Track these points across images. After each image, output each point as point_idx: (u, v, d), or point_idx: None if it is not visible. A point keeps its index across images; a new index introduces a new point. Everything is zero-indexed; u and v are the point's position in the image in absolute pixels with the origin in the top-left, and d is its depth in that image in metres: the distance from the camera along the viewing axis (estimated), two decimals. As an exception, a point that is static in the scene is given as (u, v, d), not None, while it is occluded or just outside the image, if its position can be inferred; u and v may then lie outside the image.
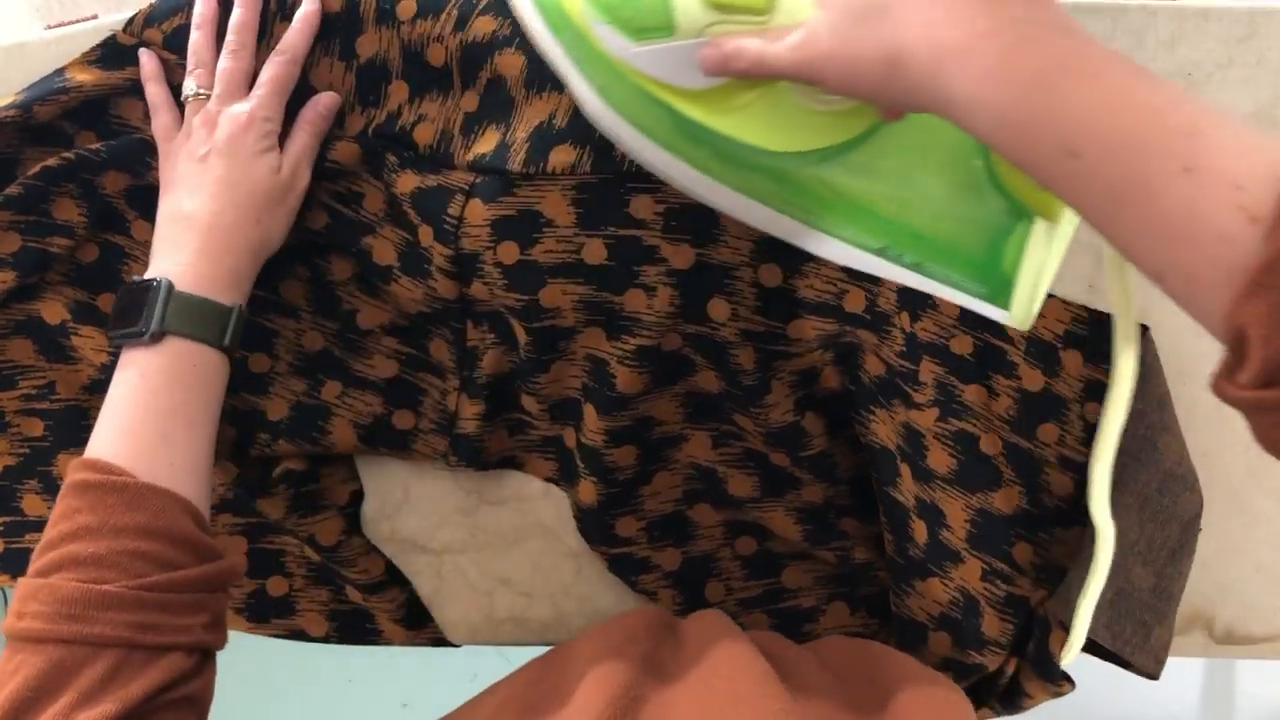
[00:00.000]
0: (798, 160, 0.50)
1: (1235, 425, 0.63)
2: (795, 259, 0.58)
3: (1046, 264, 0.48)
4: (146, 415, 0.52)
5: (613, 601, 0.69)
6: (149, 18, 0.61)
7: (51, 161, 0.61)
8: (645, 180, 0.57)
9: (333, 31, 0.61)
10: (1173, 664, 0.65)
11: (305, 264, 0.64)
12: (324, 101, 0.61)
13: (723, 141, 0.50)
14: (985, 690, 0.65)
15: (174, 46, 0.61)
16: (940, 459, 0.61)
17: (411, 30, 0.60)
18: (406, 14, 0.60)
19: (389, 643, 0.70)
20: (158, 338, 0.53)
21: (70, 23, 0.68)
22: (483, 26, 0.59)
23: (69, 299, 0.64)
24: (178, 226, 0.56)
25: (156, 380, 0.53)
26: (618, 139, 0.53)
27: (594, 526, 0.65)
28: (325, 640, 0.70)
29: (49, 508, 0.66)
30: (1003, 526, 0.61)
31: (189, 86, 0.59)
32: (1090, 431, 0.61)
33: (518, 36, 0.59)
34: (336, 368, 0.65)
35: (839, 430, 0.62)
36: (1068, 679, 0.63)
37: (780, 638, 0.59)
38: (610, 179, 0.57)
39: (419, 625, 0.70)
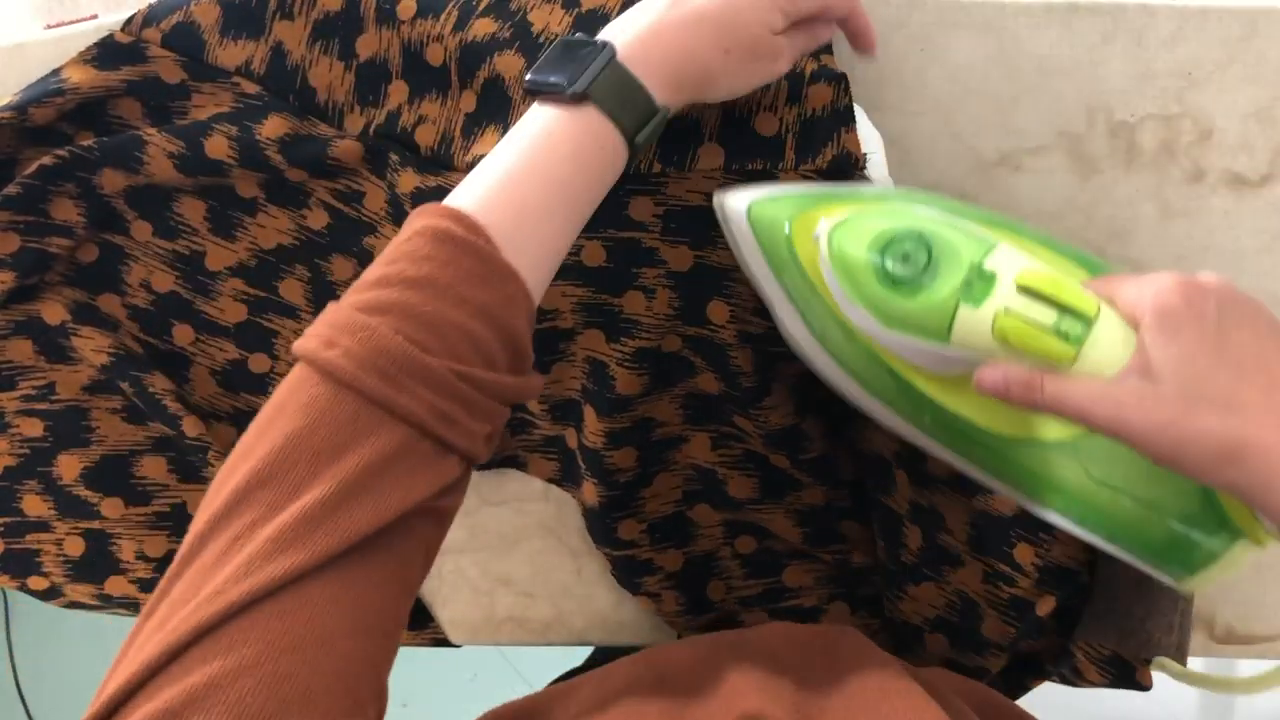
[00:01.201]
0: (1016, 443, 0.50)
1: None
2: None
3: (1233, 571, 0.49)
4: (539, 181, 0.46)
5: (613, 602, 0.69)
6: (148, 17, 0.61)
7: (48, 160, 0.61)
8: (644, 182, 0.57)
9: (333, 31, 0.61)
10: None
11: (306, 264, 0.64)
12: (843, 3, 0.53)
13: (944, 413, 0.50)
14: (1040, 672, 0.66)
15: (173, 45, 0.61)
16: (939, 462, 0.61)
17: (411, 30, 0.60)
18: (407, 14, 0.60)
19: (389, 643, 0.70)
20: (579, 99, 0.47)
21: (70, 22, 0.68)
22: (482, 28, 0.59)
23: (69, 299, 0.64)
24: (651, 6, 0.50)
25: (563, 147, 0.47)
26: (824, 375, 0.53)
27: (597, 527, 0.65)
28: (325, 640, 0.70)
29: (49, 508, 0.66)
30: (1003, 528, 0.61)
31: None
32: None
33: (518, 39, 0.59)
34: None
35: (840, 434, 0.62)
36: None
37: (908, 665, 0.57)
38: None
39: (419, 625, 0.70)
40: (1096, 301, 0.45)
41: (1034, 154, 0.61)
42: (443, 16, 0.59)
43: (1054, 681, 0.66)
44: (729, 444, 0.63)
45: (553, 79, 0.47)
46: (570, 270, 0.58)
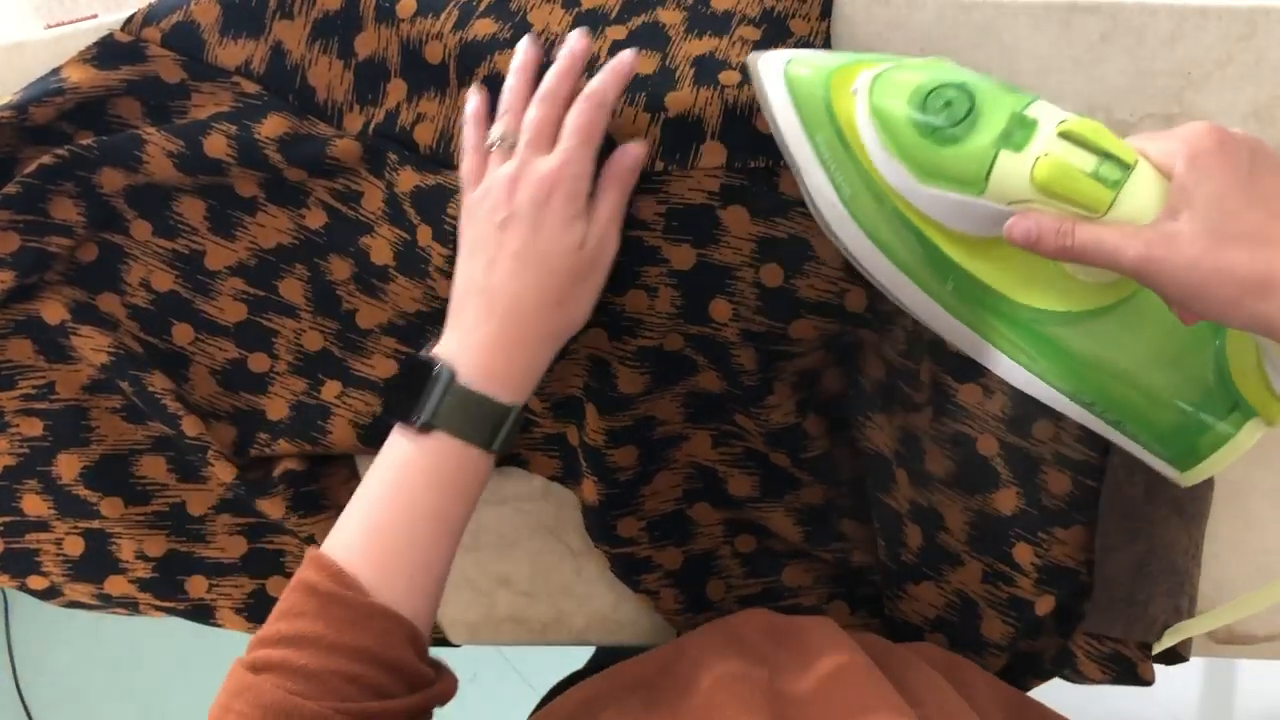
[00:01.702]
0: (1039, 315, 0.50)
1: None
2: (796, 258, 0.58)
3: (1240, 453, 0.49)
4: (399, 515, 0.50)
5: (613, 601, 0.69)
6: (148, 16, 0.61)
7: (47, 159, 0.61)
8: (646, 181, 0.57)
9: (332, 30, 0.61)
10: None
11: (305, 263, 0.64)
12: (632, 153, 0.54)
13: (970, 281, 0.50)
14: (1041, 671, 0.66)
15: (172, 44, 0.61)
16: (937, 461, 0.61)
17: (410, 28, 0.60)
18: (406, 12, 0.60)
19: (389, 642, 0.70)
20: (427, 429, 0.50)
21: (70, 22, 0.68)
22: (483, 28, 0.59)
23: (68, 299, 0.64)
24: (474, 301, 0.52)
25: (416, 481, 0.50)
26: (844, 244, 0.53)
27: (596, 525, 0.65)
28: (325, 640, 0.70)
29: (49, 507, 0.67)
30: (1002, 527, 0.61)
31: (494, 132, 0.54)
32: (1091, 429, 0.61)
33: (519, 40, 0.59)
34: (336, 367, 0.65)
35: (840, 432, 0.62)
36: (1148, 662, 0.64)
37: (881, 640, 0.59)
38: None
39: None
40: (1137, 153, 0.45)
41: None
42: (443, 16, 0.59)
43: (1060, 678, 0.66)
44: (730, 442, 0.64)
45: (403, 413, 0.51)
46: None
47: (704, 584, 0.67)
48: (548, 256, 0.51)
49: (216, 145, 0.60)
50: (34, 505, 0.67)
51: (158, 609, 0.69)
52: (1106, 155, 0.45)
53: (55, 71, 0.62)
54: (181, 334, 0.65)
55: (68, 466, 0.66)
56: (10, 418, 0.66)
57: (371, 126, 0.61)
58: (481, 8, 0.60)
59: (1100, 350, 0.50)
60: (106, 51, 0.61)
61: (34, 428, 0.66)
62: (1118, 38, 0.60)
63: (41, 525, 0.67)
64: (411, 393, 0.51)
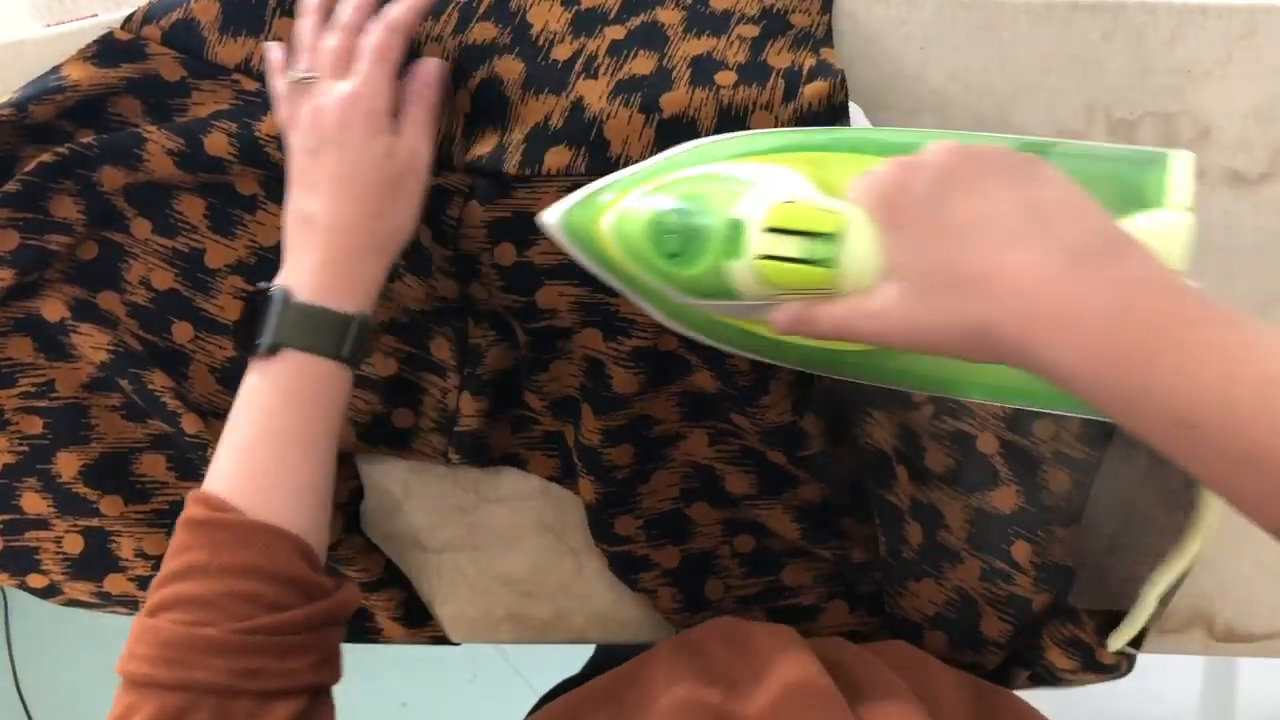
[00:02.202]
0: (880, 354, 0.50)
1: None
2: None
3: None
4: (263, 436, 0.51)
5: (612, 600, 0.69)
6: (148, 14, 0.61)
7: (47, 157, 0.61)
8: None
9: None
10: (1173, 663, 0.65)
11: None
12: (428, 69, 0.57)
13: (808, 350, 0.51)
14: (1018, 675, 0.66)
15: (172, 42, 0.61)
16: (937, 459, 0.61)
17: None
18: None
19: (388, 641, 0.70)
20: (274, 350, 0.51)
21: (69, 21, 0.68)
22: (483, 32, 0.59)
23: (68, 296, 0.64)
24: (299, 229, 0.54)
25: (273, 398, 0.52)
26: (702, 343, 0.54)
27: (596, 523, 0.65)
28: (324, 638, 0.70)
29: (48, 505, 0.66)
30: (1001, 525, 0.61)
31: (295, 71, 0.55)
32: (1090, 428, 0.61)
33: (518, 44, 0.59)
34: None
35: (839, 430, 0.62)
36: (1126, 657, 0.63)
37: (845, 643, 0.58)
38: None
39: (418, 624, 0.69)
40: (839, 215, 0.44)
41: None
42: (443, 18, 0.59)
43: (1029, 685, 0.66)
44: (726, 440, 0.63)
45: (249, 342, 0.52)
46: (567, 270, 0.58)
47: (702, 583, 0.67)
48: (359, 171, 0.53)
49: (217, 143, 0.60)
50: (33, 503, 0.67)
51: (157, 607, 0.69)
52: (812, 235, 0.44)
53: (55, 69, 0.62)
54: (181, 332, 0.65)
55: (67, 464, 0.66)
56: (10, 415, 0.66)
57: None
58: (481, 9, 0.60)
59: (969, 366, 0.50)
60: (106, 49, 0.61)
61: (34, 426, 0.66)
62: (1118, 36, 0.60)
63: (41, 523, 0.67)
64: (253, 322, 0.52)
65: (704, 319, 0.52)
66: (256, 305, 0.52)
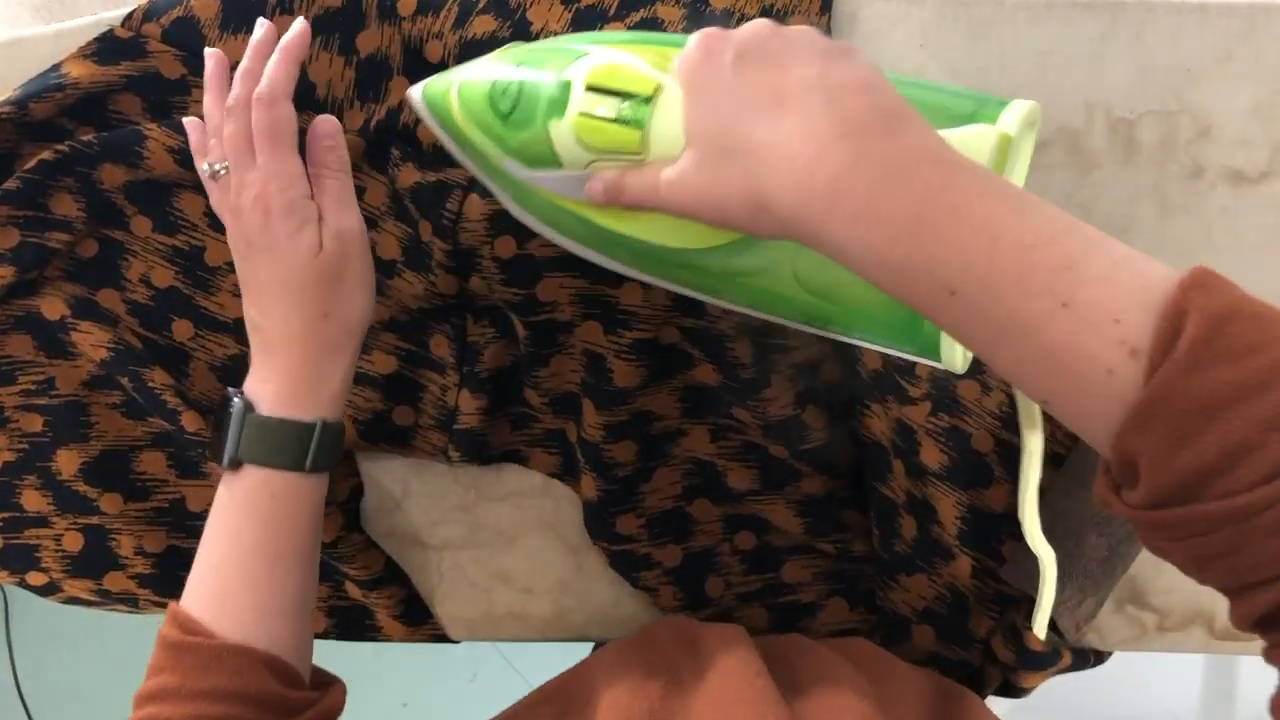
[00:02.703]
0: (705, 254, 0.50)
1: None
2: None
3: None
4: (229, 554, 0.51)
5: (612, 597, 0.69)
6: (148, 12, 0.61)
7: (47, 155, 0.61)
8: None
9: (333, 27, 0.61)
10: (1173, 662, 0.65)
11: None
12: (323, 129, 0.53)
13: (635, 244, 0.50)
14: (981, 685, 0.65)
15: (173, 40, 0.61)
16: (933, 455, 0.61)
17: (412, 27, 0.60)
18: (407, 10, 0.60)
19: (388, 639, 0.70)
20: (236, 466, 0.51)
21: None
22: (482, 25, 0.59)
23: (68, 294, 0.64)
24: (255, 339, 0.53)
25: (237, 516, 0.51)
26: (543, 235, 0.54)
27: (596, 522, 0.65)
28: (324, 637, 0.70)
29: (48, 503, 0.66)
30: (994, 524, 0.61)
31: (205, 166, 0.53)
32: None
33: (518, 38, 0.59)
34: None
35: (840, 423, 0.62)
36: (1078, 654, 0.63)
37: (803, 640, 0.59)
38: None
39: (418, 622, 0.69)
40: (657, 81, 0.44)
41: (1034, 150, 0.61)
42: (443, 13, 0.60)
43: (998, 686, 0.66)
44: (728, 435, 0.64)
45: (217, 455, 0.52)
46: (568, 261, 0.58)
47: (703, 581, 0.67)
48: (293, 274, 0.50)
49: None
50: (33, 501, 0.67)
51: (158, 605, 0.69)
52: (626, 95, 0.45)
53: (56, 67, 0.62)
54: (181, 330, 0.65)
55: (67, 462, 0.66)
56: (10, 413, 0.66)
57: (373, 123, 0.61)
58: (481, 4, 0.60)
59: (777, 269, 0.49)
60: (107, 47, 0.61)
61: (34, 423, 0.66)
62: (1118, 35, 0.60)
63: (41, 521, 0.67)
64: (221, 433, 0.52)
65: (545, 204, 0.51)
66: (221, 414, 0.52)
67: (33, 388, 0.66)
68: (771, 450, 0.63)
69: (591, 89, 0.46)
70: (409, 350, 0.65)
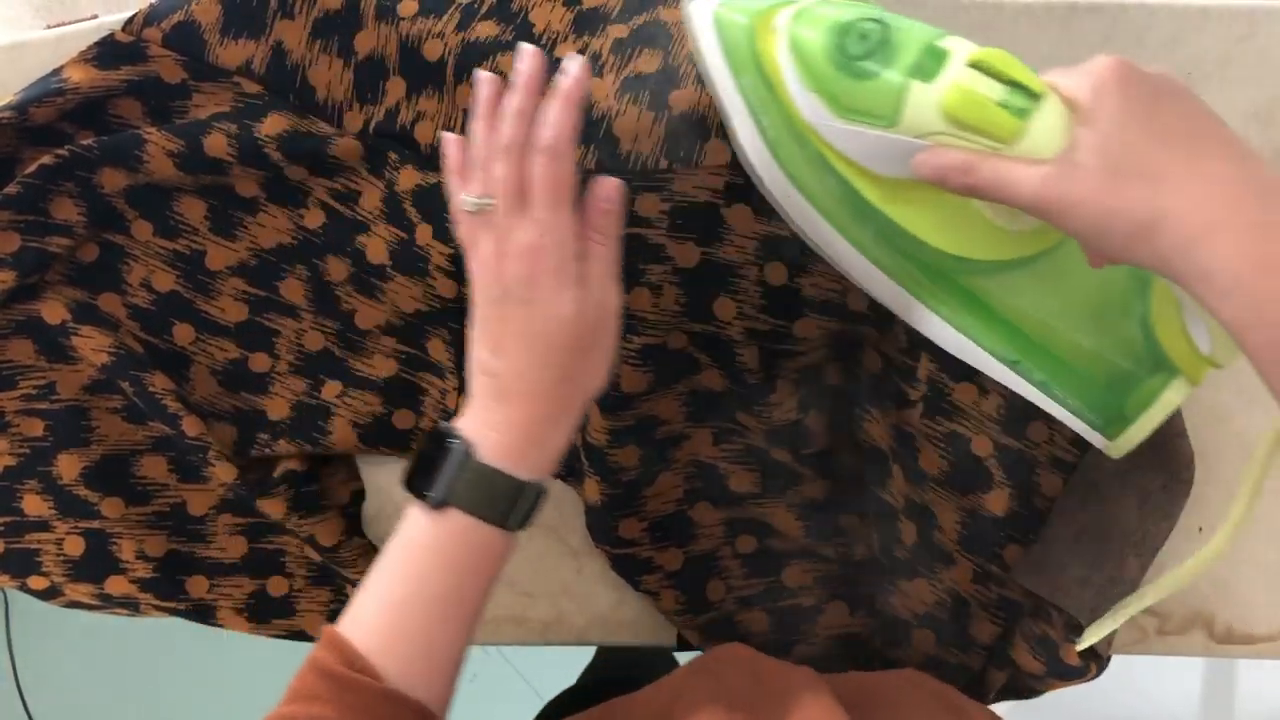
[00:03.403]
0: (959, 264, 0.50)
1: (1234, 425, 0.63)
2: (800, 257, 0.58)
3: (1166, 413, 0.49)
4: (412, 596, 0.48)
5: (613, 601, 0.69)
6: (149, 17, 0.61)
7: (48, 159, 0.61)
8: (649, 179, 0.57)
9: (332, 29, 0.61)
10: (1173, 664, 0.65)
11: (305, 264, 0.64)
12: (606, 192, 0.50)
13: (889, 226, 0.50)
14: (988, 688, 0.65)
15: (173, 45, 0.61)
16: (932, 460, 0.61)
17: (411, 26, 0.60)
18: (408, 12, 0.60)
19: (389, 642, 0.70)
20: (441, 506, 0.48)
21: (70, 23, 0.68)
22: (485, 30, 0.59)
23: (69, 299, 0.64)
24: (484, 381, 0.50)
25: (430, 560, 0.49)
26: (771, 191, 0.52)
27: (598, 525, 0.65)
28: (325, 640, 0.70)
29: (49, 507, 0.66)
30: (994, 528, 0.61)
31: (468, 201, 0.49)
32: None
33: (520, 41, 0.59)
34: (336, 367, 0.65)
35: (841, 427, 0.62)
36: (1096, 662, 0.63)
37: (864, 680, 0.57)
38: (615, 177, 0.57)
39: (419, 625, 0.69)
40: (1045, 85, 0.45)
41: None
42: (445, 18, 0.59)
43: (1001, 697, 0.66)
44: (730, 439, 0.64)
45: (420, 488, 0.49)
46: None
47: (704, 585, 0.67)
48: (548, 333, 0.48)
49: (217, 144, 0.60)
50: (34, 505, 0.67)
51: (159, 609, 0.69)
52: (1015, 85, 0.44)
53: (56, 72, 0.62)
54: (182, 334, 0.65)
55: (68, 466, 0.66)
56: (11, 418, 0.66)
57: (372, 125, 0.61)
58: (484, 9, 0.60)
59: (1023, 303, 0.50)
60: (107, 52, 0.61)
61: (35, 428, 0.66)
62: (1118, 38, 0.60)
63: (42, 525, 0.67)
64: (429, 467, 0.49)
65: (810, 153, 0.49)
66: (436, 447, 0.49)
67: (33, 392, 0.66)
68: (773, 454, 0.63)
69: (975, 66, 0.45)
70: (408, 354, 0.65)
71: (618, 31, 0.60)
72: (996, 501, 0.61)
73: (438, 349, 0.64)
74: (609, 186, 0.50)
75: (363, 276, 0.63)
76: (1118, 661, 0.67)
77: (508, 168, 0.48)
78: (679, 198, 0.57)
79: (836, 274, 0.58)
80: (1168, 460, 0.60)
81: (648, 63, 0.58)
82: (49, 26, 0.68)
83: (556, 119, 0.48)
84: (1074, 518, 0.61)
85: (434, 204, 0.59)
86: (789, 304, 0.59)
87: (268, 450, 0.65)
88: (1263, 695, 1.29)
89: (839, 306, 0.59)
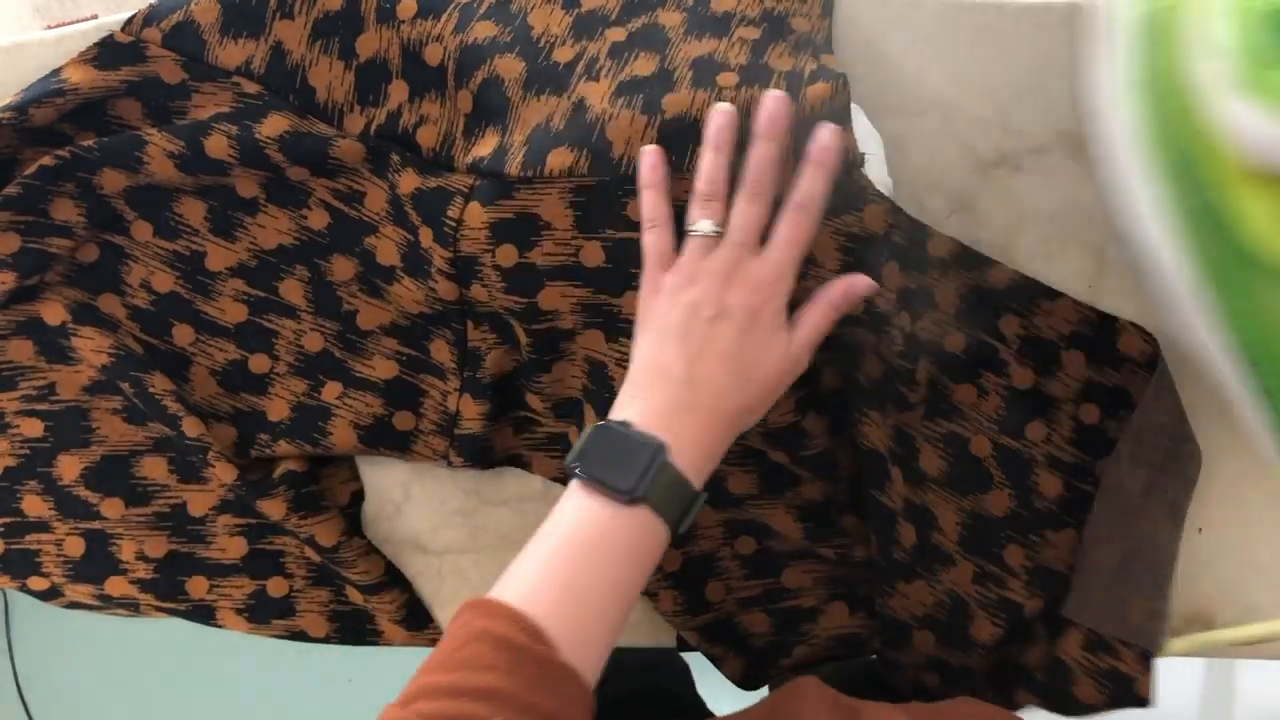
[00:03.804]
0: None
1: (1235, 426, 0.63)
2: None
3: None
4: (596, 582, 0.48)
5: (613, 602, 0.69)
6: (148, 17, 0.61)
7: (48, 160, 0.61)
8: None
9: (333, 30, 0.61)
10: (1172, 664, 0.65)
11: (305, 264, 0.64)
12: (859, 286, 0.55)
13: None
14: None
15: (173, 45, 0.61)
16: (931, 461, 0.61)
17: (411, 29, 0.60)
18: (407, 13, 0.60)
19: (389, 643, 0.70)
20: (635, 501, 0.49)
21: (70, 23, 0.68)
22: (483, 30, 0.59)
23: (69, 299, 0.64)
24: (672, 387, 0.51)
25: (615, 549, 0.49)
26: (1141, 242, 0.47)
27: None
28: (326, 641, 0.70)
29: (49, 508, 0.66)
30: (994, 529, 0.62)
31: (702, 225, 0.53)
32: (1083, 433, 0.61)
33: (518, 43, 0.59)
34: (337, 368, 0.65)
35: (840, 429, 0.62)
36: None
37: (926, 707, 0.56)
38: (607, 181, 0.57)
39: (420, 627, 0.69)
40: None
41: (1035, 154, 0.61)
42: (443, 18, 0.60)
43: (1044, 707, 0.66)
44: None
45: (610, 479, 0.49)
46: (569, 270, 0.58)
47: (703, 585, 0.67)
48: (753, 364, 0.52)
49: (218, 145, 0.60)
50: (34, 506, 0.67)
51: (159, 610, 0.69)
52: None
53: (55, 72, 0.62)
54: (182, 335, 0.65)
55: (68, 467, 0.66)
56: (11, 419, 0.66)
57: (373, 127, 0.61)
58: (482, 10, 0.60)
59: None
60: (107, 52, 0.61)
61: (35, 429, 0.66)
62: (1118, 39, 0.60)
63: (42, 526, 0.67)
64: (617, 462, 0.49)
65: (1201, 203, 0.43)
66: (622, 441, 0.50)
67: (33, 393, 0.66)
68: (771, 456, 0.63)
69: None
70: (409, 355, 0.65)
71: (615, 35, 0.60)
72: (996, 502, 0.61)
73: (440, 350, 0.64)
74: (863, 283, 0.55)
75: (370, 277, 0.64)
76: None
77: (756, 210, 0.53)
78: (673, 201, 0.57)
79: (827, 275, 0.58)
80: (1184, 465, 0.60)
81: (644, 66, 0.58)
82: (49, 26, 0.68)
83: (811, 182, 0.53)
84: (1115, 546, 0.61)
85: (432, 208, 0.59)
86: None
87: (268, 451, 0.65)
88: (1263, 695, 1.29)
89: None
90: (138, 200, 0.63)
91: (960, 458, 0.61)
